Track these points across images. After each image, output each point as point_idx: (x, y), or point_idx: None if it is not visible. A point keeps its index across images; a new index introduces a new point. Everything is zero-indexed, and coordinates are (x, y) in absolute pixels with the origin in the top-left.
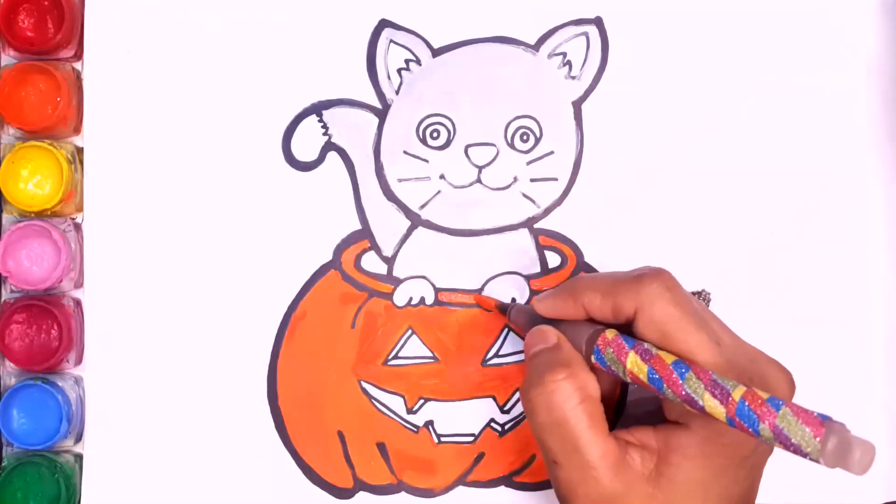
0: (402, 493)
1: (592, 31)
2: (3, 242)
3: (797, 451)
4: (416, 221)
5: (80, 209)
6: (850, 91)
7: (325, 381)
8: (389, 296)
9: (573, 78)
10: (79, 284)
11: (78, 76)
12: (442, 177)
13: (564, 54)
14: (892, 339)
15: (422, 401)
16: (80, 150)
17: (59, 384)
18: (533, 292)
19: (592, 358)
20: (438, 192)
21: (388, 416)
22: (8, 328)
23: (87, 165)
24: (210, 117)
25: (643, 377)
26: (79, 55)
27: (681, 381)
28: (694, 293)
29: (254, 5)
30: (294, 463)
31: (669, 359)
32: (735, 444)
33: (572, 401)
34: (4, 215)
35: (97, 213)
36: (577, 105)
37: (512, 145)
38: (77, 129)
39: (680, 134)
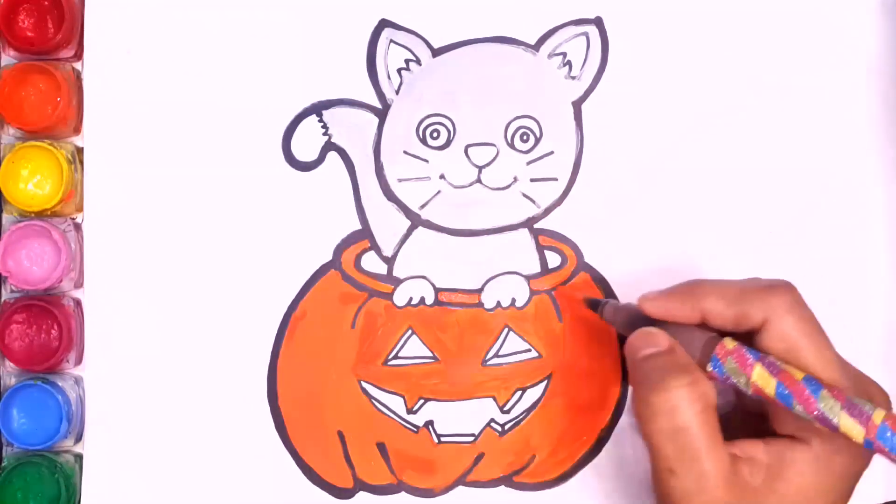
0: (402, 493)
1: (592, 31)
2: (3, 242)
3: None
4: (416, 221)
5: (80, 209)
6: (850, 91)
7: (325, 381)
8: (389, 296)
9: (573, 78)
10: (79, 284)
11: (78, 76)
12: (442, 177)
13: (564, 54)
14: (893, 339)
15: (422, 401)
16: (80, 150)
17: (59, 384)
18: (533, 292)
19: (709, 366)
20: (438, 192)
21: (388, 416)
22: (8, 328)
23: (87, 165)
24: (210, 117)
25: (770, 391)
26: (79, 55)
27: (814, 399)
28: None
29: (254, 5)
30: (294, 463)
31: (799, 375)
32: (851, 462)
33: (695, 408)
34: (4, 215)
35: (97, 213)
36: (577, 105)
37: (512, 145)
38: (77, 130)
39: (680, 134)
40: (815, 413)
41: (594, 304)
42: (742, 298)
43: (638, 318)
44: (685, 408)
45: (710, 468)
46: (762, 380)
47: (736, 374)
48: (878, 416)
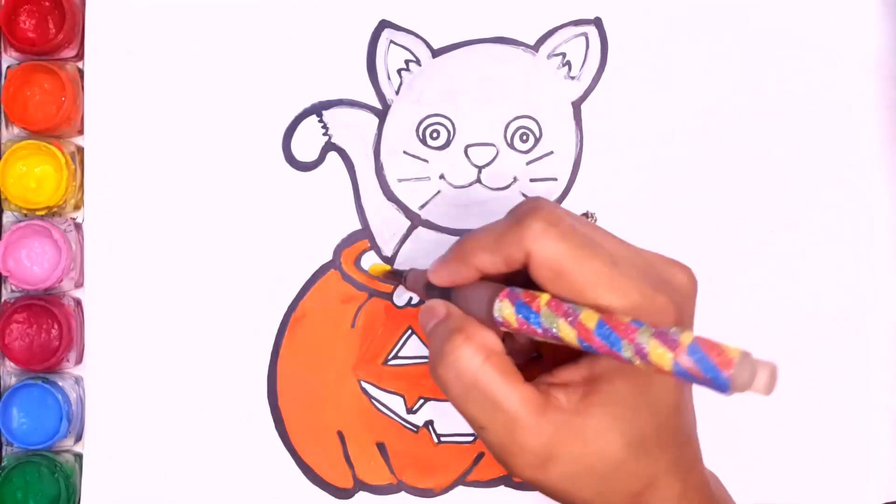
0: (402, 492)
1: (592, 31)
2: (3, 242)
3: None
4: (415, 221)
5: (79, 209)
6: (850, 91)
7: (325, 381)
8: (389, 296)
9: (572, 78)
10: (79, 284)
11: (82, 76)
12: (442, 177)
13: (564, 55)
14: (893, 339)
15: (422, 400)
16: (80, 150)
17: (59, 384)
18: None
19: (496, 319)
20: (438, 192)
21: (388, 415)
22: (8, 328)
23: (88, 165)
24: (210, 117)
25: (528, 329)
26: (80, 55)
27: (601, 341)
28: (580, 215)
29: (254, 6)
30: (294, 463)
31: (590, 322)
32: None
33: (476, 360)
34: (4, 215)
35: (97, 213)
36: (577, 105)
37: (512, 145)
38: (81, 130)
39: (679, 134)
40: (550, 335)
41: (398, 275)
42: (501, 241)
43: (431, 289)
44: (468, 363)
45: (514, 409)
46: (513, 319)
47: (516, 322)
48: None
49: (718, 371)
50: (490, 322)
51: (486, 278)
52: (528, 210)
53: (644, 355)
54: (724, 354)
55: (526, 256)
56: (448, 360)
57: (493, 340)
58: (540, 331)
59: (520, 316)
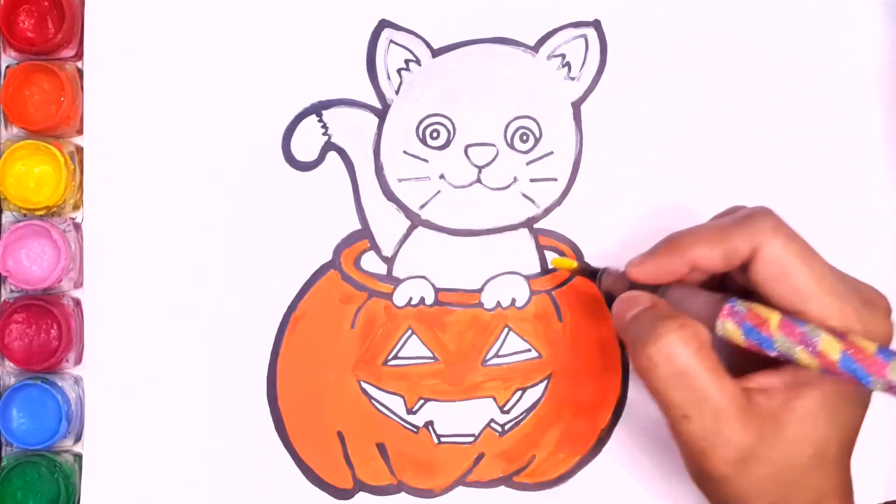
0: (402, 493)
1: (591, 33)
2: (3, 242)
3: None
4: (415, 221)
5: (79, 209)
6: (850, 91)
7: (324, 381)
8: (389, 296)
9: (572, 79)
10: (79, 284)
11: (81, 76)
12: (442, 177)
13: (563, 56)
14: (893, 339)
15: (422, 401)
16: (79, 150)
17: (59, 384)
18: (533, 292)
19: (720, 329)
20: (438, 192)
21: (388, 416)
22: (7, 328)
23: (87, 165)
24: (210, 117)
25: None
26: (79, 55)
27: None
28: None
29: (254, 5)
30: (294, 463)
31: (835, 351)
32: (860, 389)
33: (690, 348)
34: (4, 215)
35: (97, 213)
36: (577, 106)
37: (512, 145)
38: (81, 130)
39: (679, 134)
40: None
41: (592, 274)
42: (725, 235)
43: (632, 287)
44: (681, 350)
45: (722, 403)
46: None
47: (744, 343)
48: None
49: None
50: (711, 330)
51: (689, 279)
52: (756, 210)
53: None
54: None
55: (752, 252)
56: (660, 343)
57: (705, 333)
58: (774, 354)
59: (749, 338)
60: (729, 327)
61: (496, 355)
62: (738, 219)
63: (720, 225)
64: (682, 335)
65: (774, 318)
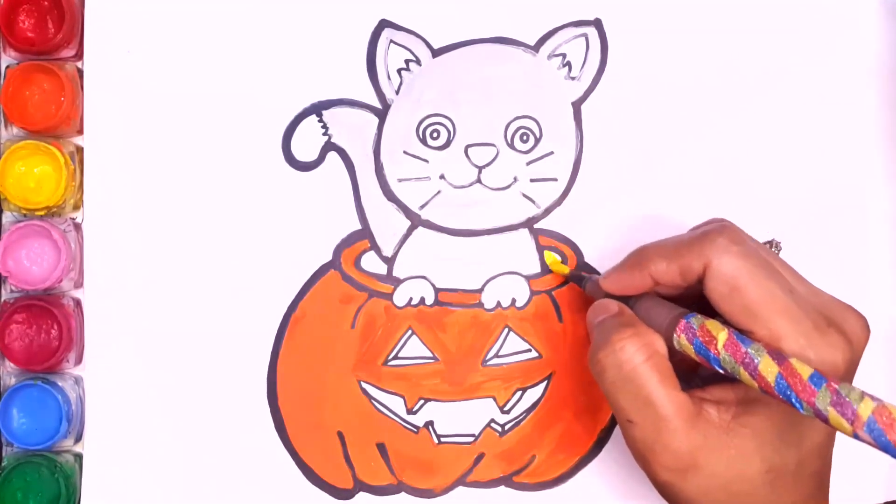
0: (402, 493)
1: (591, 32)
2: (3, 242)
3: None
4: (416, 221)
5: (79, 209)
6: (850, 91)
7: (325, 381)
8: (389, 296)
9: (573, 79)
10: (79, 284)
11: (81, 76)
12: (442, 177)
13: (564, 55)
14: (892, 339)
15: (422, 401)
16: (79, 150)
17: (59, 384)
18: (533, 292)
19: (675, 343)
20: (438, 192)
21: (388, 416)
22: (8, 328)
23: (87, 165)
24: (210, 117)
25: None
26: (79, 55)
27: (773, 385)
28: (764, 243)
29: (254, 5)
30: (294, 463)
31: (770, 374)
32: None
33: (639, 357)
34: (4, 215)
35: (97, 213)
36: (577, 105)
37: (512, 145)
38: (81, 130)
39: (679, 134)
40: (778, 396)
41: (578, 280)
42: (679, 252)
43: (607, 296)
44: (630, 357)
45: (666, 411)
46: (726, 363)
47: (700, 349)
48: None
49: (893, 447)
50: (667, 342)
51: (662, 291)
52: (714, 226)
53: (824, 419)
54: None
55: (704, 268)
56: (613, 347)
57: (659, 344)
58: (721, 371)
59: (699, 354)
60: (683, 342)
61: (496, 355)
62: (693, 235)
63: (677, 241)
64: (634, 343)
65: (722, 336)
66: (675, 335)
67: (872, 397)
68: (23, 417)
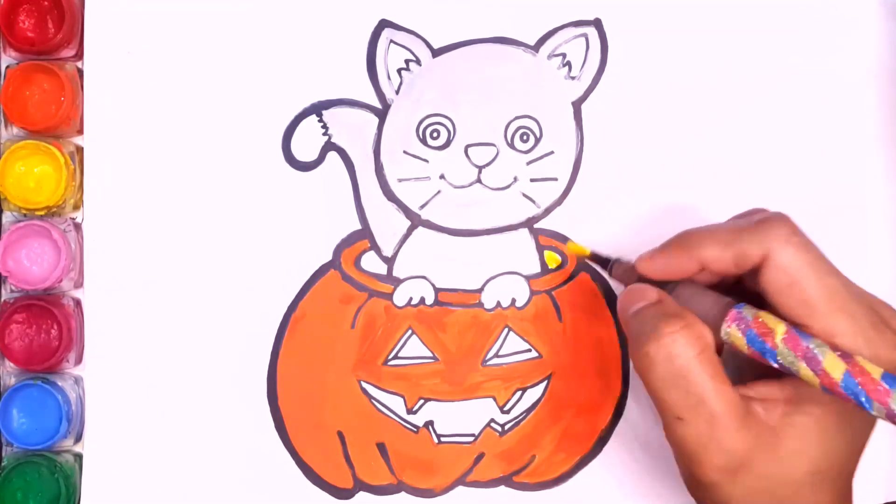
0: (402, 493)
1: (591, 32)
2: (3, 242)
3: None
4: (416, 221)
5: (79, 209)
6: (850, 92)
7: (325, 381)
8: (389, 296)
9: (573, 78)
10: (79, 284)
11: (81, 76)
12: (442, 177)
13: (564, 55)
14: None
15: (422, 401)
16: (79, 150)
17: (59, 384)
18: (533, 292)
19: (723, 334)
20: (438, 192)
21: (388, 416)
22: (8, 328)
23: (87, 165)
24: (210, 117)
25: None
26: (79, 55)
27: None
28: None
29: (254, 6)
30: (294, 463)
31: (838, 371)
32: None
33: (691, 351)
34: (4, 215)
35: (97, 213)
36: (577, 105)
37: (512, 145)
38: (81, 130)
39: (679, 134)
40: (840, 393)
41: (604, 262)
42: (737, 238)
43: (642, 280)
44: (682, 352)
45: (718, 409)
46: (783, 356)
47: (748, 351)
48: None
49: None
50: (716, 334)
51: (699, 279)
52: (772, 215)
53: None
54: None
55: (762, 258)
56: (663, 341)
57: (710, 337)
58: (776, 366)
59: (752, 347)
60: (733, 333)
61: (496, 355)
62: (752, 222)
63: (733, 227)
64: (685, 336)
65: (780, 329)
66: (724, 325)
67: None
68: (23, 417)
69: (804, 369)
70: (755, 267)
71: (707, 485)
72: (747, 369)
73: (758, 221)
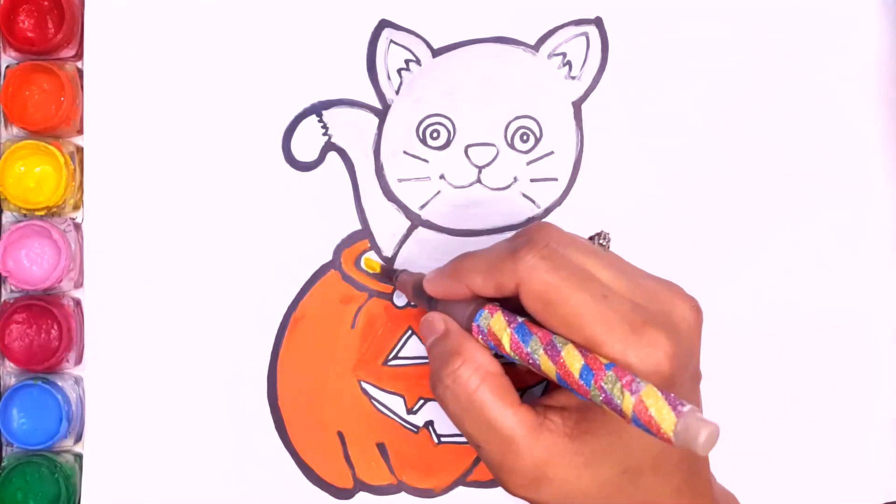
0: (402, 493)
1: (592, 31)
2: (3, 242)
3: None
4: (416, 221)
5: (79, 209)
6: (850, 91)
7: (325, 381)
8: (389, 296)
9: (573, 78)
10: (79, 284)
11: (81, 76)
12: (442, 177)
13: (564, 54)
14: (893, 339)
15: (422, 401)
16: (79, 150)
17: (59, 384)
18: None
19: (478, 338)
20: (438, 192)
21: (388, 416)
22: (8, 328)
23: (87, 165)
24: (210, 117)
25: (519, 360)
26: (79, 55)
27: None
28: (591, 237)
29: (254, 6)
30: (294, 463)
31: (535, 346)
32: None
33: (472, 384)
34: (4, 215)
35: (97, 213)
36: (577, 105)
37: (512, 145)
38: (81, 130)
39: (680, 133)
40: (572, 383)
41: (389, 273)
42: (494, 268)
43: (421, 292)
44: (463, 388)
45: (508, 430)
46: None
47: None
48: (628, 405)
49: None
50: (470, 331)
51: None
52: (523, 241)
53: (616, 410)
54: (664, 420)
55: (517, 287)
56: (446, 382)
57: (489, 362)
58: (525, 353)
59: (497, 353)
60: (480, 340)
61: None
62: (505, 252)
63: (493, 256)
64: (466, 371)
65: (505, 339)
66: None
67: (631, 388)
68: (23, 417)
69: (533, 369)
70: (513, 294)
71: (520, 498)
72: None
73: (510, 251)
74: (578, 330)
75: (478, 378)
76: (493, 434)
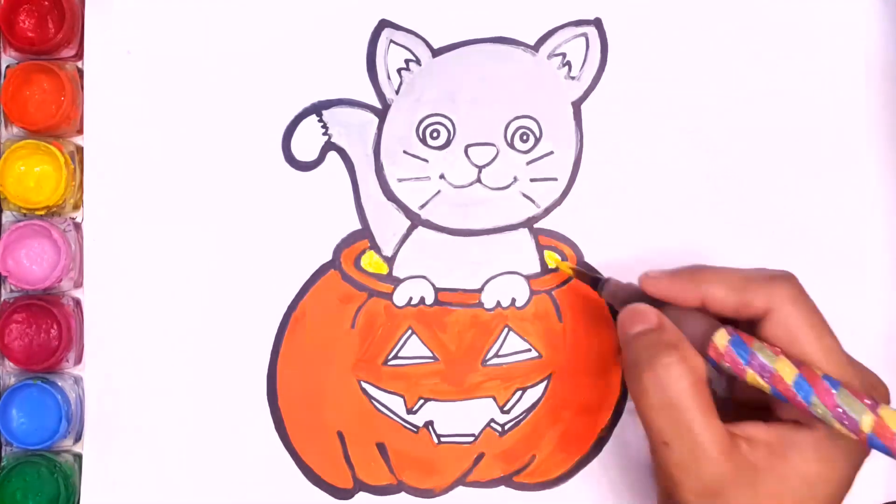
0: (402, 493)
1: (592, 31)
2: (2, 242)
3: None
4: (415, 221)
5: (79, 208)
6: (849, 90)
7: (324, 381)
8: (389, 296)
9: (573, 78)
10: (78, 284)
11: (81, 76)
12: (442, 177)
13: (564, 55)
14: (892, 339)
15: (422, 401)
16: (79, 150)
17: (59, 384)
18: (533, 292)
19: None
20: (438, 191)
21: (388, 416)
22: (7, 328)
23: (87, 165)
24: (210, 117)
25: (765, 388)
26: (79, 55)
27: (806, 404)
28: (594, 279)
29: (254, 6)
30: (294, 463)
31: (790, 376)
32: (854, 448)
33: (684, 382)
34: (4, 215)
35: (97, 213)
36: (577, 105)
37: (512, 145)
38: (81, 130)
39: (679, 133)
40: (811, 414)
41: (594, 282)
42: (745, 287)
43: (637, 298)
44: (674, 383)
45: (704, 439)
46: (756, 383)
47: (730, 371)
48: (867, 423)
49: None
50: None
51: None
52: (782, 273)
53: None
54: None
55: (765, 311)
56: (658, 371)
57: (702, 369)
58: (756, 366)
59: (731, 348)
60: (724, 361)
61: (496, 355)
62: (761, 275)
63: (743, 275)
64: (680, 368)
65: (789, 375)
66: (710, 351)
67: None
68: (22, 417)
69: (783, 365)
70: (755, 318)
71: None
72: (736, 409)
73: (767, 276)
74: (818, 368)
75: (690, 378)
76: (689, 437)
